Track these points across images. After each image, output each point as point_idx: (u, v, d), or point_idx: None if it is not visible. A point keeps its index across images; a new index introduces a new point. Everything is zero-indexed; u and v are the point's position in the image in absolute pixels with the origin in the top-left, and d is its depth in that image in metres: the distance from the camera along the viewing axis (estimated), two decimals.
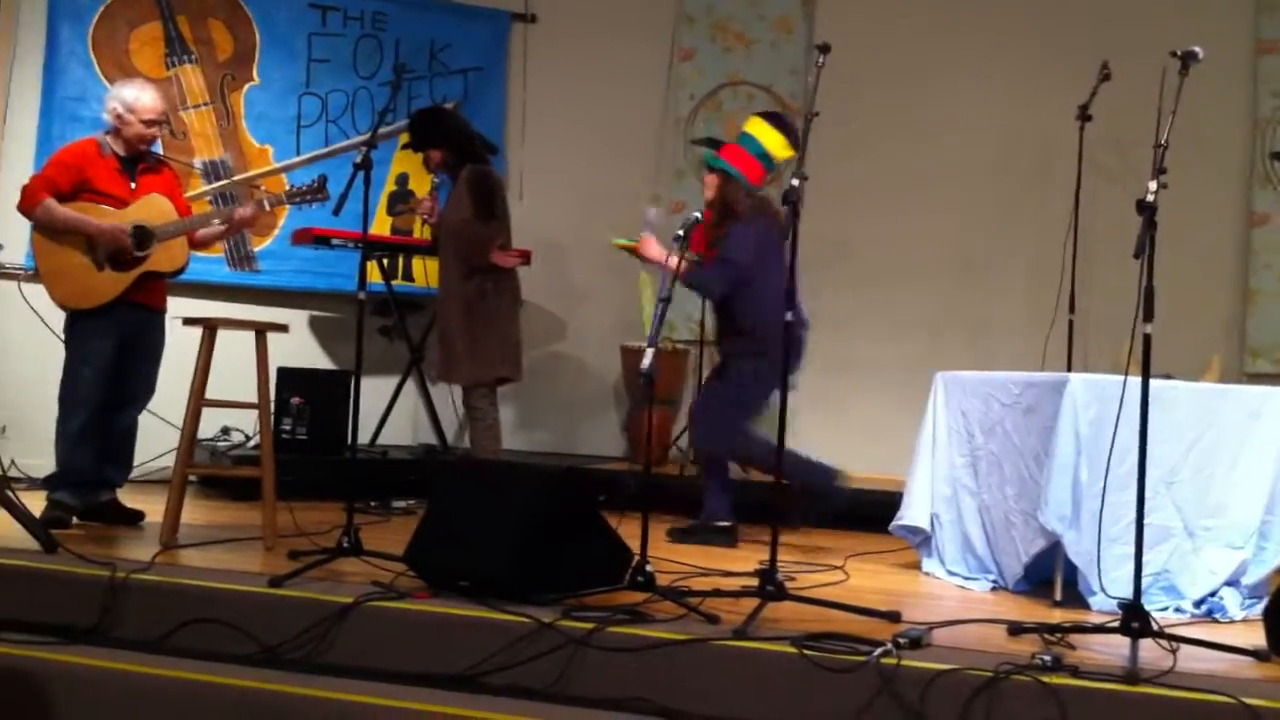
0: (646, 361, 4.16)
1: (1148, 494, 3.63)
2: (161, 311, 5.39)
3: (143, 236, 5.15)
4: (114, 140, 5.28)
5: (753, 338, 5.54)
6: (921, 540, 5.17)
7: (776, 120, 5.76)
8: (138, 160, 5.32)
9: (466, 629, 3.74)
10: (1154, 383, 3.65)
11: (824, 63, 4.24)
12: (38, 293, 5.26)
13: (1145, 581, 3.68)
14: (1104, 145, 6.71)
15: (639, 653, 3.53)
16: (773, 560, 3.92)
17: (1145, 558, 3.62)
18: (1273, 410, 4.54)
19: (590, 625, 3.62)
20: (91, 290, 5.12)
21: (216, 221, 5.42)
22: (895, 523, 5.22)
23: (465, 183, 6.05)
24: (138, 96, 5.26)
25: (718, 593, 4.06)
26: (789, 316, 4.13)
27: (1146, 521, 3.62)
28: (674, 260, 5.38)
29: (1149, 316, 3.56)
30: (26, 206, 5.11)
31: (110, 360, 5.17)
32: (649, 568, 4.06)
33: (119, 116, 5.24)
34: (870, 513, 5.75)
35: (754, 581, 3.95)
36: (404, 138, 7.49)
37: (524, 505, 4.11)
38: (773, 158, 5.72)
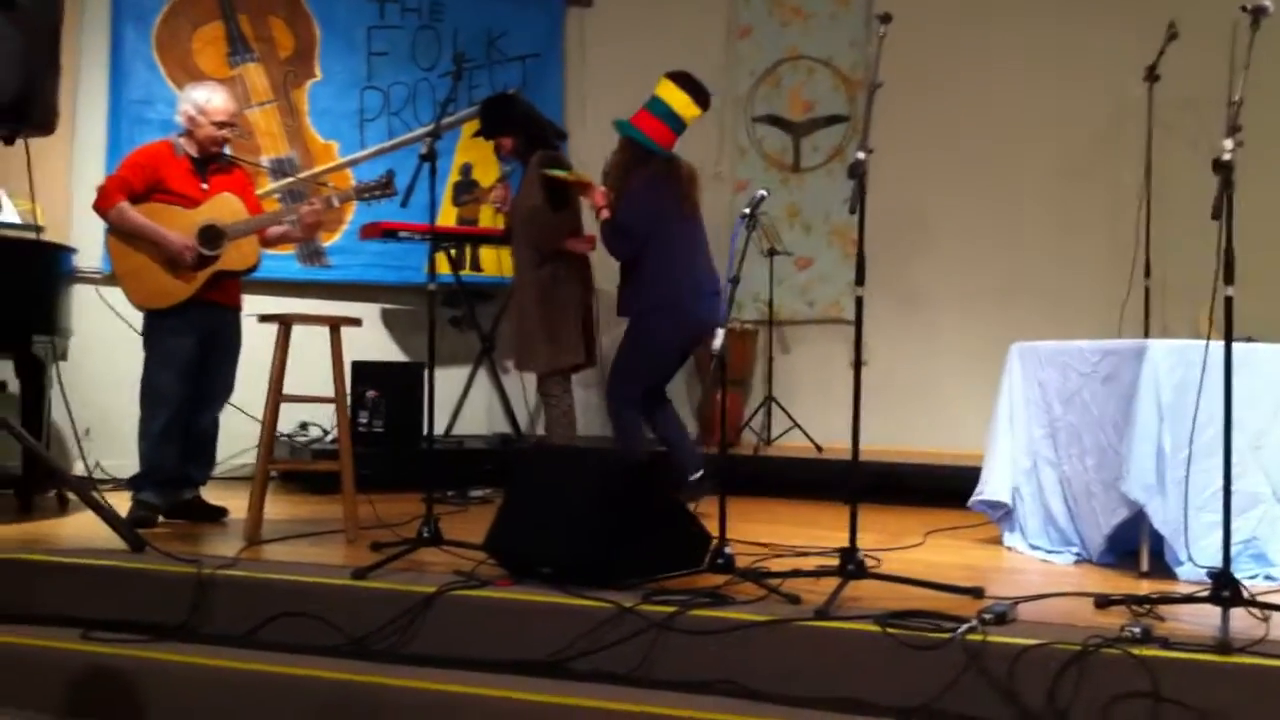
0: (718, 343, 4.14)
1: (1234, 459, 3.56)
2: (237, 309, 5.46)
3: (213, 235, 5.22)
4: (187, 142, 5.35)
5: (652, 296, 5.64)
6: (1002, 514, 5.12)
7: (683, 80, 5.80)
8: (209, 161, 5.39)
9: (549, 615, 3.76)
10: (1236, 346, 3.58)
11: (885, 33, 4.19)
12: (116, 295, 5.35)
13: (1234, 549, 3.61)
14: (1175, 106, 6.57)
15: (721, 635, 3.53)
16: (853, 538, 3.89)
17: (1233, 525, 3.55)
18: None
19: (672, 609, 3.63)
20: (166, 290, 5.19)
21: (286, 219, 5.47)
22: (975, 497, 5.17)
23: (536, 169, 6.07)
24: (209, 99, 5.33)
25: (798, 573, 4.03)
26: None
27: (1234, 488, 3.55)
28: (605, 213, 5.65)
29: (1229, 279, 3.49)
30: (101, 208, 5.19)
31: (189, 359, 5.24)
32: (728, 550, 4.06)
33: (191, 119, 5.31)
34: (950, 488, 5.70)
35: (834, 561, 3.92)
36: (471, 127, 7.53)
37: (602, 491, 4.11)
38: (680, 117, 5.77)
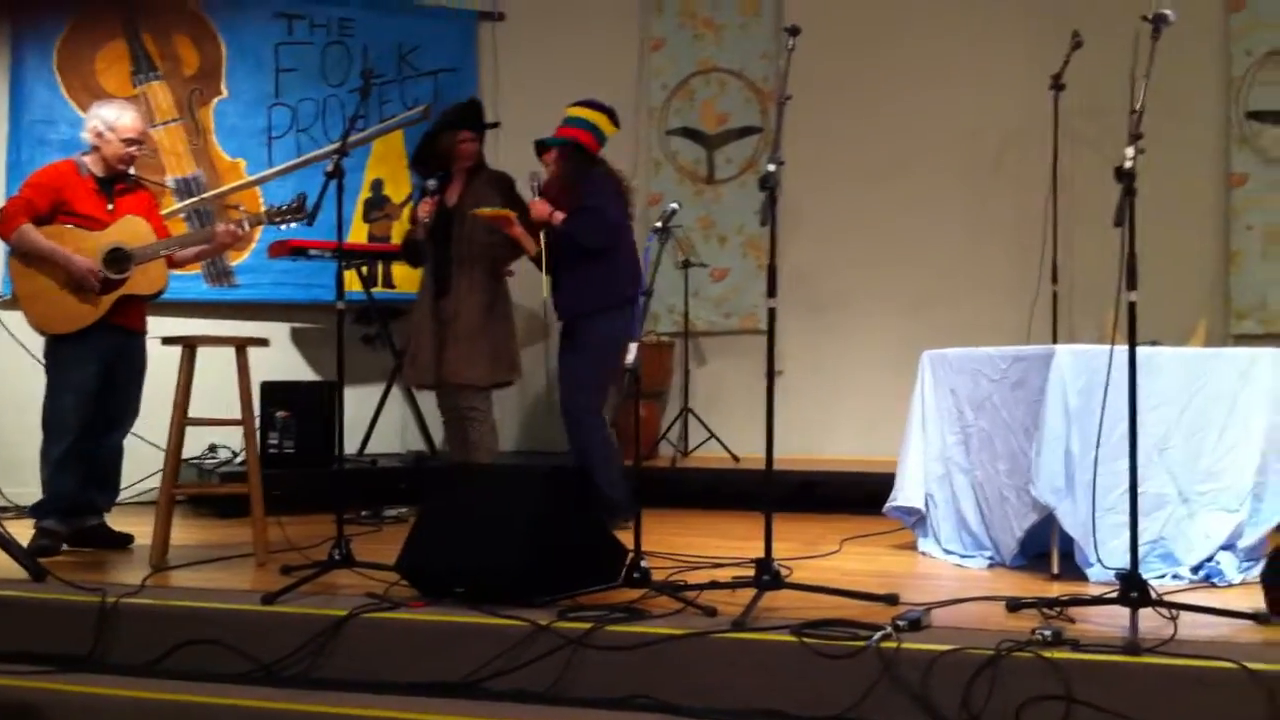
0: (631, 356, 4.13)
1: (1140, 462, 3.61)
2: (142, 333, 5.34)
3: (120, 259, 5.11)
4: (92, 161, 5.24)
5: (615, 295, 5.62)
6: (916, 520, 5.16)
7: (596, 105, 5.93)
8: (115, 181, 5.28)
9: (463, 635, 3.71)
10: (1141, 350, 3.63)
11: (794, 45, 4.22)
12: (14, 318, 5.22)
13: (1141, 550, 3.66)
14: (1079, 114, 6.70)
15: (638, 650, 3.51)
16: (768, 548, 3.89)
17: (1140, 526, 3.60)
18: (1260, 371, 4.54)
19: (587, 625, 3.60)
20: (70, 315, 5.07)
21: (195, 243, 5.37)
22: (889, 504, 5.20)
23: (498, 179, 6.11)
24: (119, 115, 5.23)
25: (714, 584, 4.03)
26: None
27: (1140, 490, 3.60)
28: (558, 214, 5.62)
29: (1132, 284, 3.54)
30: (3, 231, 5.07)
31: (92, 384, 5.11)
32: (644, 563, 4.04)
33: (99, 135, 5.20)
34: (866, 495, 5.73)
35: (751, 572, 3.92)
36: (383, 142, 7.46)
37: (516, 507, 4.09)
38: (603, 132, 5.91)
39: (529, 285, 6.29)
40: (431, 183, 5.91)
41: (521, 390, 7.64)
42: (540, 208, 5.73)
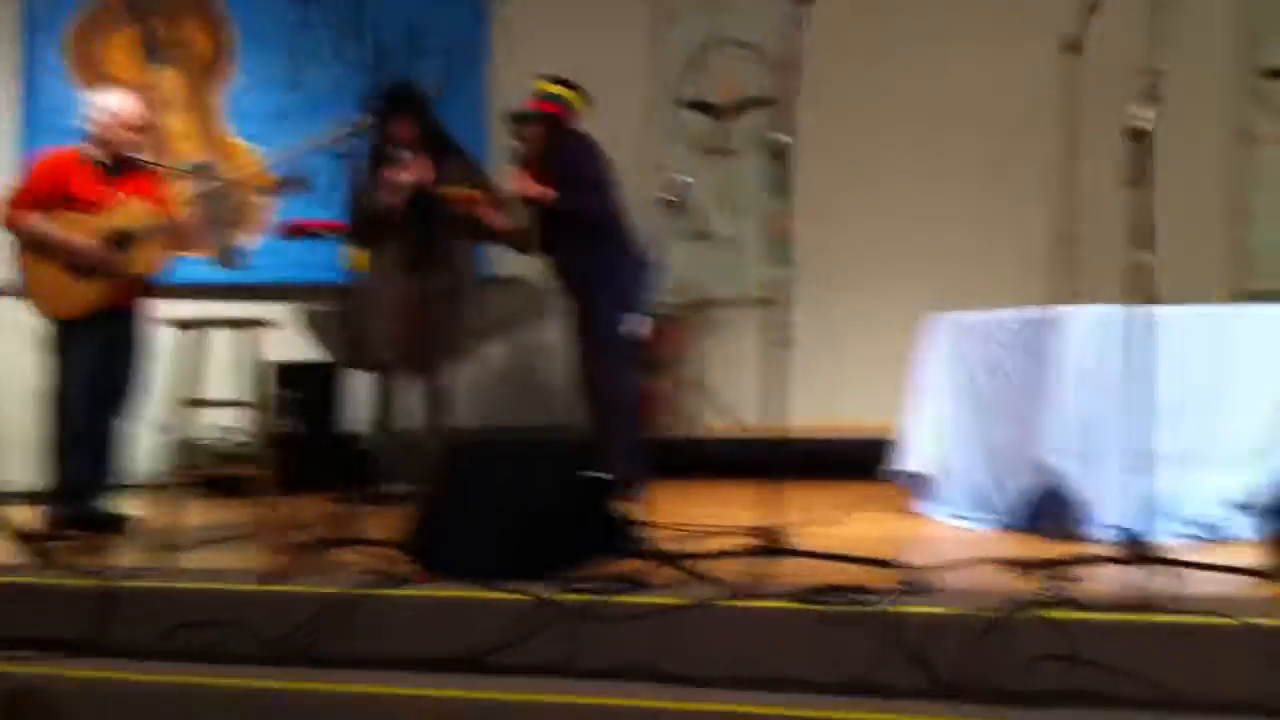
0: (643, 328, 4.11)
1: (1151, 422, 3.56)
2: (146, 315, 5.37)
3: (123, 240, 5.12)
4: (96, 148, 5.25)
5: (624, 263, 5.63)
6: (924, 484, 5.12)
7: (566, 82, 6.00)
8: (120, 167, 5.28)
9: (466, 611, 3.71)
10: (1154, 310, 3.58)
11: (806, 15, 4.18)
12: (18, 306, 5.24)
13: (1150, 509, 3.62)
14: (1096, 74, 6.59)
15: (641, 620, 3.49)
16: (773, 516, 3.86)
17: (1150, 486, 3.56)
18: (1272, 330, 4.47)
19: (590, 597, 3.58)
20: (74, 299, 5.10)
21: (185, 225, 5.35)
22: (897, 468, 5.17)
23: (472, 165, 6.13)
24: (120, 102, 5.27)
25: (719, 554, 4.00)
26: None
27: (1150, 450, 3.55)
28: (549, 192, 5.66)
29: (1147, 244, 3.49)
30: (7, 220, 5.08)
31: (97, 368, 5.14)
32: (649, 534, 4.02)
33: (104, 125, 5.22)
34: (874, 460, 5.69)
35: (755, 540, 3.88)
36: None
37: (520, 482, 4.08)
38: (574, 106, 5.96)
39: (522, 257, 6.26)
40: (399, 151, 5.89)
41: (521, 364, 7.67)
42: (529, 186, 5.70)
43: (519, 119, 5.92)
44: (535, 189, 5.66)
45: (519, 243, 5.76)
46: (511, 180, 5.75)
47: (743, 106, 7.95)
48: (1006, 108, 7.20)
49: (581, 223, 5.65)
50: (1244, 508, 4.33)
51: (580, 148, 5.83)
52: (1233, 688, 3.01)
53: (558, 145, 5.79)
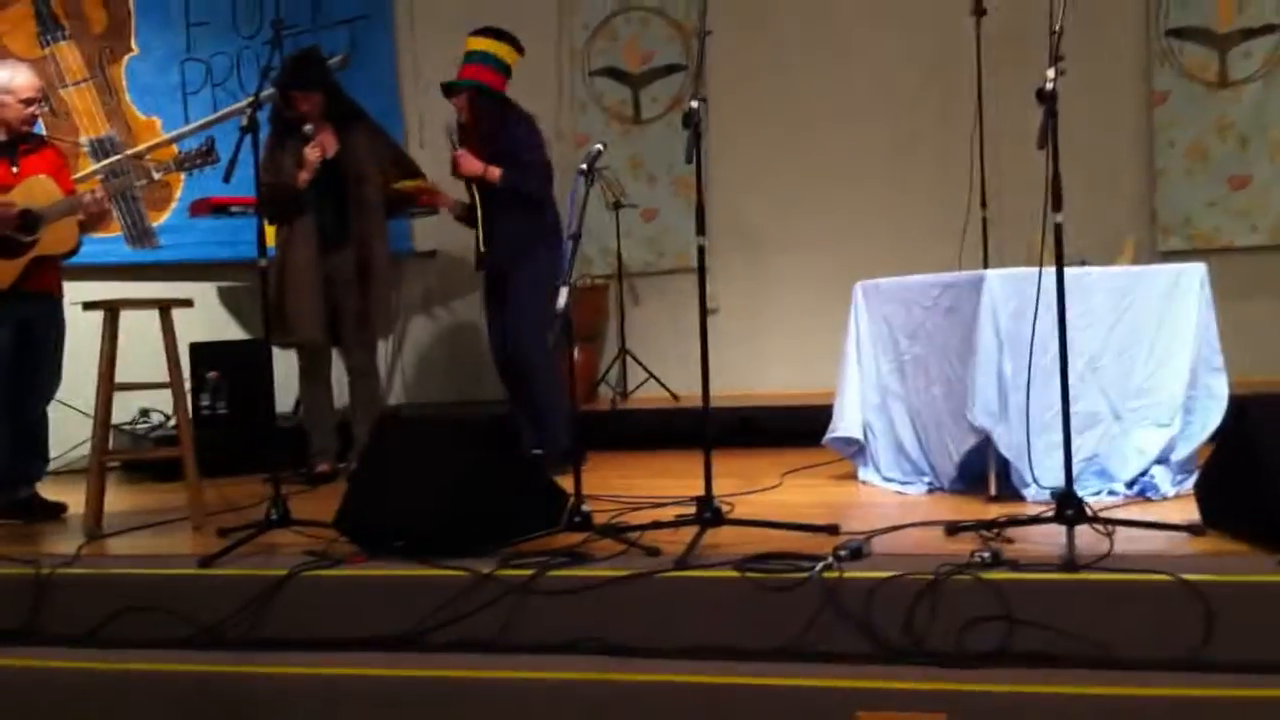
0: (561, 301, 4.08)
1: (1072, 381, 3.64)
2: (58, 297, 5.22)
3: (29, 220, 4.98)
4: None
5: (546, 235, 5.63)
6: (855, 450, 5.17)
7: (496, 32, 5.86)
8: (18, 143, 5.14)
9: (406, 589, 3.69)
10: (1069, 270, 3.65)
11: None
12: None
13: (1076, 468, 3.71)
14: (1001, 38, 6.69)
15: (582, 593, 3.50)
16: (708, 485, 3.89)
17: (1074, 444, 3.64)
18: (1186, 286, 4.60)
19: (530, 572, 3.58)
20: None
21: (88, 200, 5.21)
22: (828, 435, 5.21)
23: (378, 132, 6.06)
24: (12, 76, 5.10)
25: (656, 525, 4.01)
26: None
27: (1073, 409, 3.63)
28: (493, 170, 5.60)
29: (1058, 206, 3.56)
30: None
31: (8, 353, 5.01)
32: (585, 507, 4.02)
33: None
34: (806, 428, 5.74)
35: (692, 510, 3.91)
36: None
37: (453, 458, 4.05)
38: (508, 64, 5.84)
39: (456, 232, 6.20)
40: (309, 128, 5.82)
41: (447, 340, 7.58)
42: (472, 164, 5.66)
43: (449, 89, 5.83)
44: (492, 172, 5.61)
45: (466, 219, 5.73)
46: (460, 162, 5.68)
47: (655, 74, 7.94)
48: (919, 73, 7.28)
49: (519, 199, 5.62)
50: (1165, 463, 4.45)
51: (526, 127, 5.79)
52: (1168, 644, 3.07)
53: (500, 120, 5.74)
